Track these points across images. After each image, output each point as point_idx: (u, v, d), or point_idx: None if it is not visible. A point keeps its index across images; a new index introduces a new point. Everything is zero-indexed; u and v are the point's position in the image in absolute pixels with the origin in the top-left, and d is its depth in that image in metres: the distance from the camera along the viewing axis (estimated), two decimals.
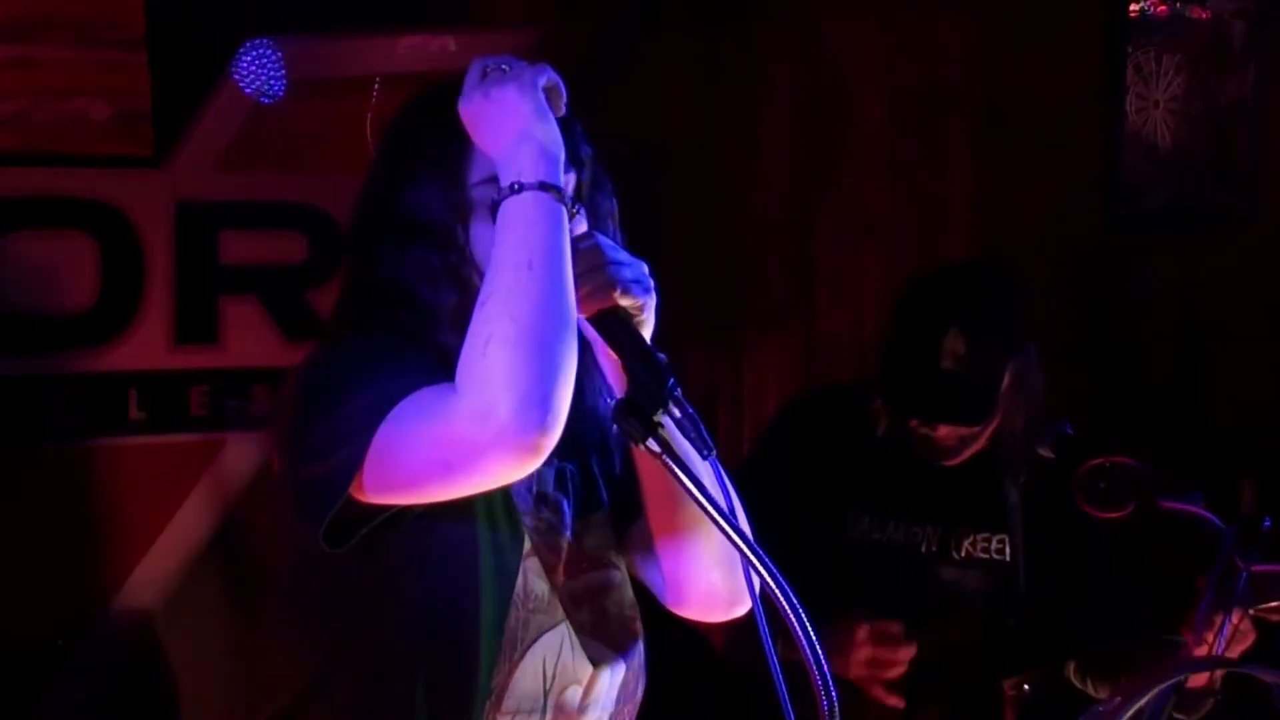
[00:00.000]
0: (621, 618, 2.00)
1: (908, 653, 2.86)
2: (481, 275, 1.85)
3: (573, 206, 1.85)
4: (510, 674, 1.89)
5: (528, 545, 1.91)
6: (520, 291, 1.75)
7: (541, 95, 1.85)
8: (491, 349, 1.72)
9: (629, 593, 2.02)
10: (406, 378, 1.80)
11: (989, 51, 4.43)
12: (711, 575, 1.93)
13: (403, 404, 1.77)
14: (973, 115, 4.42)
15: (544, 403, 1.71)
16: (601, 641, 1.97)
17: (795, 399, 3.34)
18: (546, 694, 1.92)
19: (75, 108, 3.33)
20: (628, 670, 1.99)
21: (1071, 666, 2.98)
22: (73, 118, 3.32)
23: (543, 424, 1.71)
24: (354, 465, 1.77)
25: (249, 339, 3.50)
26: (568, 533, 1.98)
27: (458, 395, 1.73)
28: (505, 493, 1.90)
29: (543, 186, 1.79)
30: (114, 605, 3.44)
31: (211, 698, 3.50)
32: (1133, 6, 4.55)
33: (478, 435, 1.71)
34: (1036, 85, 4.49)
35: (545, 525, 1.95)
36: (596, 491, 2.02)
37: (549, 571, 1.93)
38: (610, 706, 1.99)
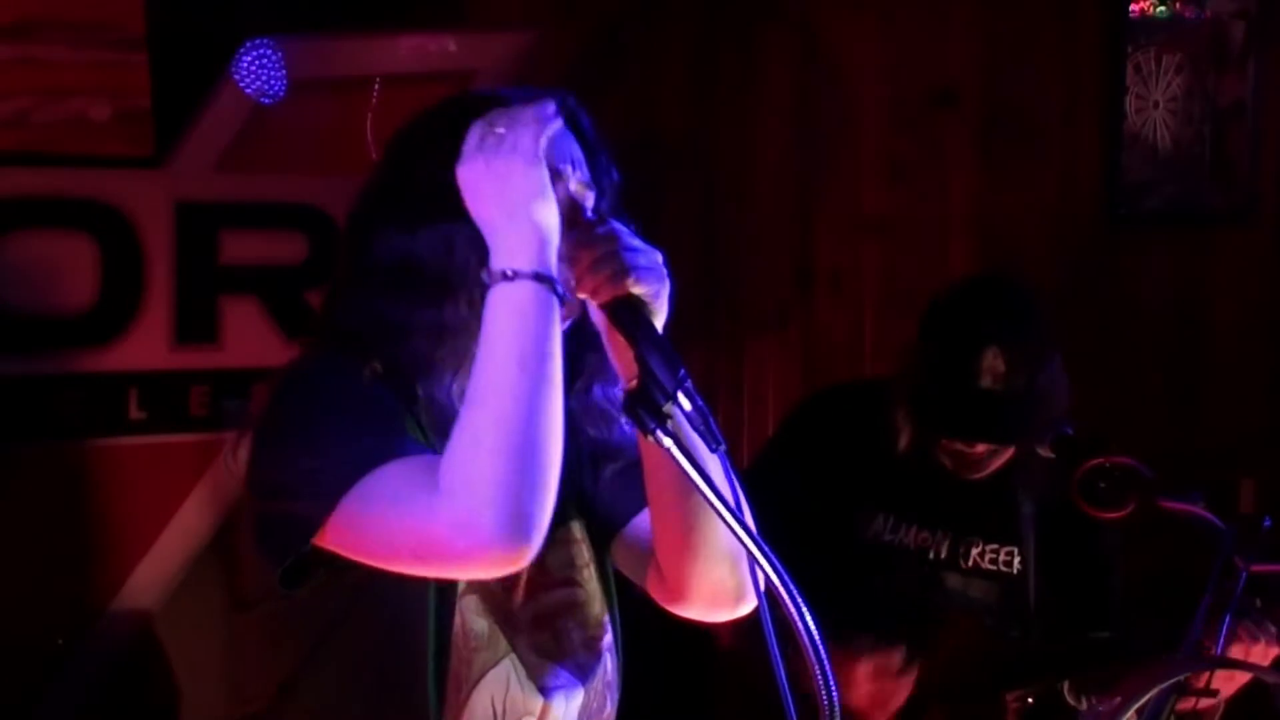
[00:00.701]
0: (585, 637, 1.97)
1: (908, 684, 2.85)
2: None
3: (565, 298, 1.79)
4: (458, 714, 1.87)
5: (462, 584, 1.87)
6: (515, 394, 1.70)
7: (545, 170, 1.78)
8: (483, 455, 1.68)
9: (594, 609, 1.99)
10: (380, 433, 1.76)
11: (989, 51, 4.43)
12: (718, 570, 1.87)
13: (378, 476, 1.73)
14: (973, 115, 4.42)
15: (530, 518, 1.69)
16: (561, 664, 1.94)
17: (813, 395, 3.33)
18: None
19: (75, 108, 3.33)
20: (588, 692, 1.96)
21: (1067, 685, 2.97)
22: (73, 118, 3.32)
23: (529, 540, 1.69)
24: (317, 523, 1.75)
25: (249, 339, 3.50)
26: None
27: (441, 495, 1.68)
28: None
29: (538, 277, 1.74)
30: (114, 605, 3.44)
31: (211, 698, 3.51)
32: (1133, 6, 4.55)
33: (456, 542, 1.68)
34: (1036, 85, 4.49)
35: None
36: (563, 508, 1.95)
37: (494, 604, 1.90)
38: None
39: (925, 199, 4.40)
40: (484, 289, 1.77)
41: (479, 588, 1.88)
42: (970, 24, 4.41)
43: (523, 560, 1.71)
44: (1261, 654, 2.73)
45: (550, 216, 1.77)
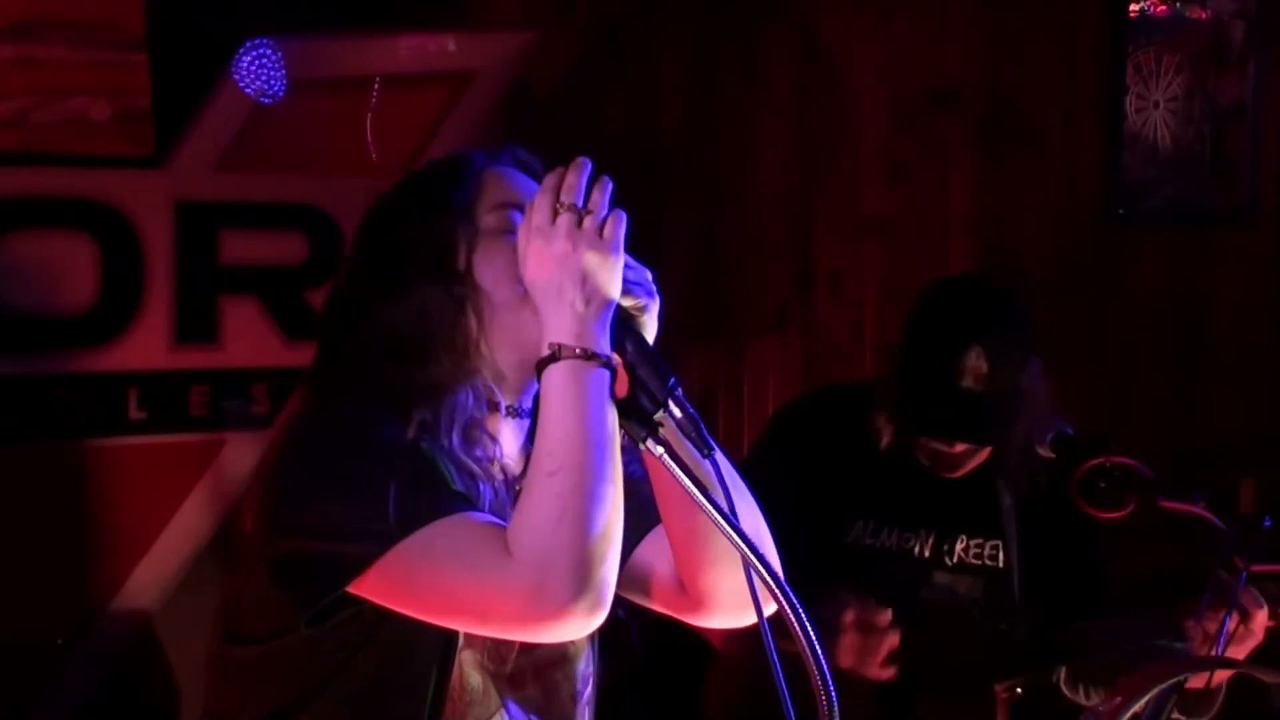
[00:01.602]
0: (571, 691, 2.00)
1: (891, 642, 2.85)
2: (486, 298, 1.87)
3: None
4: None
5: (462, 639, 1.90)
6: (589, 468, 1.75)
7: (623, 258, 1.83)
8: (559, 527, 1.72)
9: (580, 664, 2.01)
10: (436, 487, 1.79)
11: (989, 51, 4.43)
12: (739, 576, 1.85)
13: (439, 530, 1.76)
14: (973, 115, 4.42)
15: (605, 586, 1.73)
16: (547, 718, 1.98)
17: (792, 402, 3.33)
18: None
19: (75, 108, 3.33)
20: None
21: (1062, 674, 2.97)
22: (73, 118, 3.32)
23: (603, 607, 1.74)
24: (364, 565, 1.77)
25: (249, 339, 3.50)
26: None
27: (517, 564, 1.72)
28: None
29: (607, 362, 1.79)
30: (114, 605, 3.44)
31: None
32: (1133, 6, 4.55)
33: (530, 609, 1.73)
34: (1036, 85, 4.49)
35: None
36: None
37: (489, 658, 1.92)
38: None
39: (925, 199, 4.40)
40: (463, 342, 1.86)
41: (476, 642, 1.91)
42: (970, 24, 4.40)
43: (593, 626, 1.75)
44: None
45: (616, 296, 1.82)
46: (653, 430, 1.77)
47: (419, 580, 1.77)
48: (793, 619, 1.67)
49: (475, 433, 1.89)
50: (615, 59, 4.03)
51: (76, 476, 3.41)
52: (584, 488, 1.74)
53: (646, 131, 4.06)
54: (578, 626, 1.74)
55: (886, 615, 2.84)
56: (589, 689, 2.02)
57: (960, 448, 2.92)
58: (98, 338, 3.40)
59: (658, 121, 4.10)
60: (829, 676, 1.67)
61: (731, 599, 1.93)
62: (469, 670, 1.91)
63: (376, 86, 3.45)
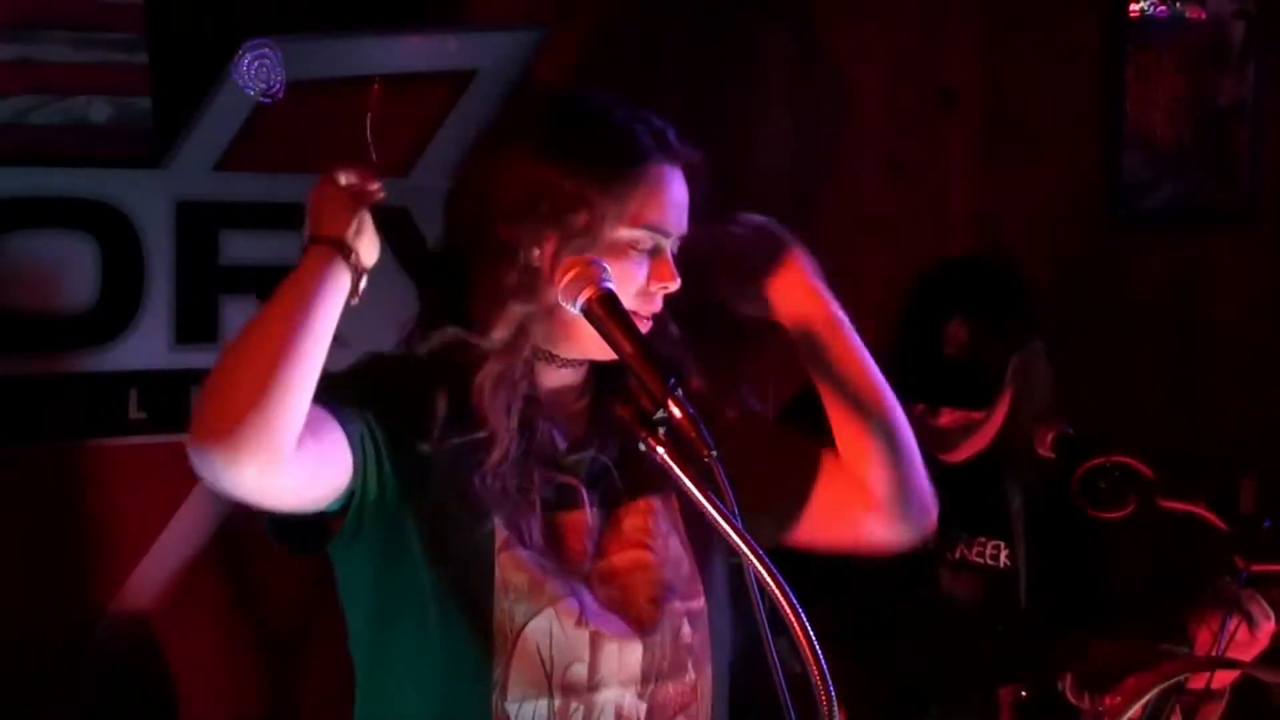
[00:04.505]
0: (651, 597, 2.02)
1: None
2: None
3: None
4: (509, 664, 1.94)
5: (500, 539, 1.95)
6: (248, 324, 1.89)
7: None
8: (221, 367, 1.84)
9: (666, 574, 2.04)
10: None
11: (989, 51, 4.43)
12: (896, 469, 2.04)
13: None
14: (973, 115, 4.42)
15: (225, 418, 1.78)
16: (620, 616, 2.00)
17: (794, 396, 3.34)
18: (549, 676, 1.96)
19: (75, 108, 3.33)
20: (650, 648, 2.01)
21: (1068, 681, 2.97)
22: (73, 118, 3.32)
23: (254, 448, 1.76)
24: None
25: None
26: (589, 515, 2.03)
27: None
28: (461, 494, 1.95)
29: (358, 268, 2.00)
30: (114, 605, 3.44)
31: (211, 698, 3.51)
32: (1133, 6, 4.56)
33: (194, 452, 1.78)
34: (1036, 85, 4.49)
35: (557, 505, 2.01)
36: (644, 478, 2.03)
37: (535, 559, 1.97)
38: (635, 684, 2.01)
39: (925, 199, 4.40)
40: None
41: (514, 545, 1.97)
42: (970, 24, 4.41)
43: (247, 468, 1.77)
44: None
45: None
46: (653, 430, 1.78)
47: None
48: (793, 618, 1.67)
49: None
50: (615, 59, 4.03)
51: (76, 477, 3.40)
52: (257, 330, 1.88)
53: None
54: (230, 462, 1.76)
55: None
56: (681, 604, 2.04)
57: (945, 418, 2.94)
58: (98, 338, 3.40)
59: None
60: (829, 677, 1.68)
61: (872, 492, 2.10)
62: (512, 572, 1.95)
63: (376, 86, 3.45)
